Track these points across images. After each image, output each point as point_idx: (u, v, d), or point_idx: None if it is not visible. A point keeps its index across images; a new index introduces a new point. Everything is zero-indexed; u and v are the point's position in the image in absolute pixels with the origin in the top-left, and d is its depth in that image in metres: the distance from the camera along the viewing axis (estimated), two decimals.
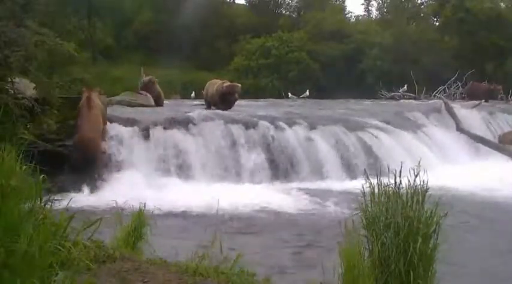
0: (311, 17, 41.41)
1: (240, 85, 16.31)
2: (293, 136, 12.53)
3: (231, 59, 38.22)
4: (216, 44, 40.39)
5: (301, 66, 37.02)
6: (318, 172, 11.82)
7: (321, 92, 31.87)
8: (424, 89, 27.92)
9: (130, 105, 15.50)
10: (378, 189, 3.79)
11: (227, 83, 15.83)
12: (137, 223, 4.48)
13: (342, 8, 47.37)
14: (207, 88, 16.59)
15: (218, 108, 14.83)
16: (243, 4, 46.97)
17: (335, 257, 3.73)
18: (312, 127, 13.01)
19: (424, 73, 31.11)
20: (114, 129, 11.11)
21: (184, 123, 11.90)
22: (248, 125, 12.36)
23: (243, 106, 17.27)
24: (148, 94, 17.04)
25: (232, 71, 37.22)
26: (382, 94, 28.77)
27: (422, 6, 43.77)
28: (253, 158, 11.59)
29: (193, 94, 29.31)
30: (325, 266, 3.76)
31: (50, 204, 3.38)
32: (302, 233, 7.56)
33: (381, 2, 48.38)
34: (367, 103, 23.62)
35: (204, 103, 17.34)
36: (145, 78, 18.40)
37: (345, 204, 8.79)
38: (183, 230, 7.53)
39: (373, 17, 49.44)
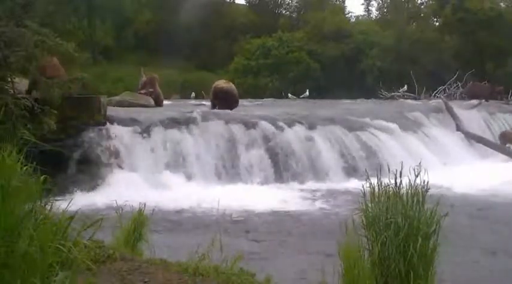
0: (311, 17, 41.38)
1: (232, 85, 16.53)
2: (293, 136, 12.54)
3: (231, 59, 38.16)
4: (216, 44, 40.38)
5: (301, 66, 36.98)
6: (318, 172, 11.82)
7: (321, 92, 31.86)
8: (424, 89, 27.86)
9: (130, 105, 15.53)
10: (378, 189, 3.79)
11: (225, 84, 16.08)
12: (137, 223, 4.48)
13: (342, 8, 47.41)
14: (213, 88, 16.74)
15: (221, 108, 14.94)
16: (243, 4, 47.09)
17: (335, 257, 3.73)
18: (312, 127, 13.02)
19: (424, 73, 31.03)
20: (114, 129, 11.11)
21: (185, 123, 11.91)
22: (248, 125, 12.37)
23: (243, 106, 17.28)
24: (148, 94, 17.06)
25: (232, 71, 37.18)
26: (382, 94, 28.68)
27: (423, 6, 43.70)
28: (254, 158, 11.59)
29: (193, 94, 29.31)
30: (325, 267, 3.75)
31: (51, 204, 3.38)
32: (301, 233, 7.57)
33: (381, 2, 48.52)
34: (367, 102, 23.60)
35: (204, 103, 17.41)
36: (146, 78, 18.39)
37: (344, 204, 8.80)
38: (183, 230, 7.54)
39: (373, 17, 49.57)
